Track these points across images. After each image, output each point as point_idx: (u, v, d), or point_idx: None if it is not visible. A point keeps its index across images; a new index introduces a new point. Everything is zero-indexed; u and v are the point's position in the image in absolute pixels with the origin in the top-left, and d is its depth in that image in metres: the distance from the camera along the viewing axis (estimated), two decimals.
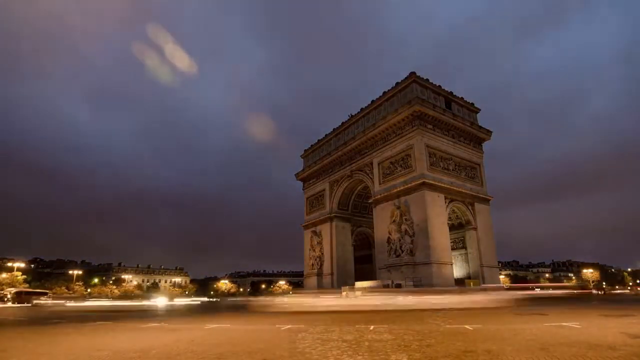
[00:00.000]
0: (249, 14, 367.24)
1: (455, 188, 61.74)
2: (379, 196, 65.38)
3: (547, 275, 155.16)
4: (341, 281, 72.13)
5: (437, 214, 58.03)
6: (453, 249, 58.82)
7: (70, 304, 50.81)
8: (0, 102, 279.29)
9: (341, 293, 64.39)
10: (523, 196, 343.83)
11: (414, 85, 63.28)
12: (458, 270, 58.49)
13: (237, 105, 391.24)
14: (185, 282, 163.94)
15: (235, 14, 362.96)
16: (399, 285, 55.28)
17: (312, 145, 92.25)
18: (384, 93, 69.10)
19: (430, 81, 65.65)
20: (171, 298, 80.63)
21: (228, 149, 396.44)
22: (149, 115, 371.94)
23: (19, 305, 53.15)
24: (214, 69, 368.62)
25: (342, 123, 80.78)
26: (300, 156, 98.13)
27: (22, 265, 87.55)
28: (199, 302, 77.03)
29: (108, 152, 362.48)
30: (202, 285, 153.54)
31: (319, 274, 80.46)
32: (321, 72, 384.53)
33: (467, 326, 12.35)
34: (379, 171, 67.29)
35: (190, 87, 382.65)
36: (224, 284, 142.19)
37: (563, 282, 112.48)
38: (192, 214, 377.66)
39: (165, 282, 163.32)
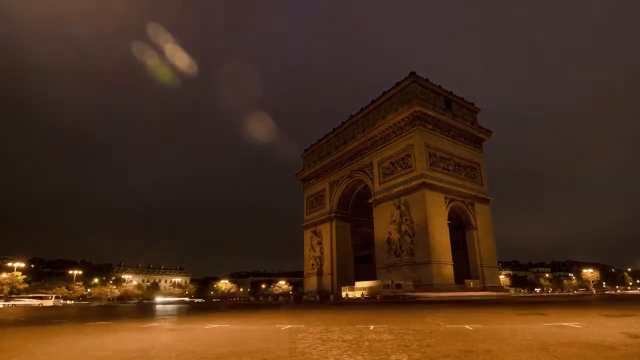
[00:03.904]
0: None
1: (455, 188, 61.76)
2: (379, 196, 65.39)
3: (547, 275, 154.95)
4: (341, 281, 72.16)
5: (437, 214, 58.07)
6: (453, 249, 58.85)
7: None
8: (1, 102, 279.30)
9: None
10: (523, 195, 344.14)
11: (414, 85, 63.31)
12: (458, 270, 58.50)
13: (237, 105, 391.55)
14: (186, 282, 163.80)
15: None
16: (399, 285, 55.28)
17: (312, 145, 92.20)
18: (384, 93, 69.11)
19: (431, 81, 65.67)
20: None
21: (227, 148, 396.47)
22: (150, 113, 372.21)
23: None
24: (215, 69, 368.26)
25: (342, 123, 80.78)
26: (300, 156, 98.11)
27: (22, 265, 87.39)
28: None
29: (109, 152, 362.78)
30: (202, 285, 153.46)
31: (319, 274, 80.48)
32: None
33: (467, 326, 12.35)
34: (379, 171, 67.32)
35: (192, 85, 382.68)
36: (224, 284, 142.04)
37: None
38: (192, 213, 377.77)
39: (166, 282, 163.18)
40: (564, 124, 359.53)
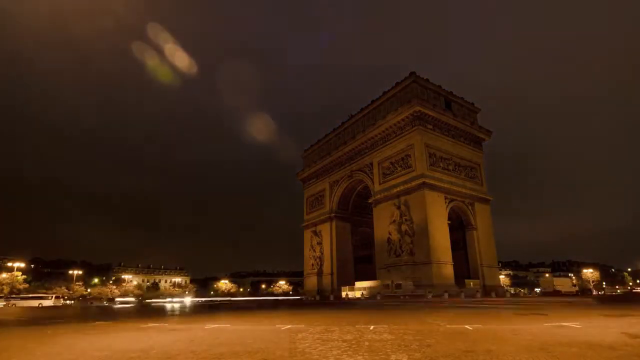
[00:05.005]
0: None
1: (455, 188, 61.75)
2: (379, 196, 65.40)
3: (547, 275, 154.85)
4: (341, 281, 72.18)
5: (437, 214, 58.05)
6: (453, 249, 58.84)
7: None
8: (0, 101, 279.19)
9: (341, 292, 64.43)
10: (523, 195, 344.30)
11: (414, 85, 63.30)
12: (458, 270, 58.49)
13: (237, 105, 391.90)
14: (186, 282, 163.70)
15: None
16: (399, 285, 55.31)
17: (312, 145, 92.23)
18: (384, 93, 69.10)
19: (431, 81, 65.64)
20: None
21: (227, 147, 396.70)
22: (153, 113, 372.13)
23: None
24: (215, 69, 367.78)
25: (342, 123, 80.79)
26: (301, 156, 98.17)
27: (22, 265, 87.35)
28: None
29: (109, 149, 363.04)
30: (202, 285, 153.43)
31: (319, 274, 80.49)
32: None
33: (467, 326, 12.35)
34: (379, 171, 67.32)
35: (192, 84, 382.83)
36: (224, 284, 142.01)
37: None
38: (192, 213, 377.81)
39: (166, 282, 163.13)
40: (565, 123, 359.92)
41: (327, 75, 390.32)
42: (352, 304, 42.37)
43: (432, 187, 58.55)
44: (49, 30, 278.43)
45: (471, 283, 59.18)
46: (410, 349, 7.93)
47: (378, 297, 52.27)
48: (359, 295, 59.27)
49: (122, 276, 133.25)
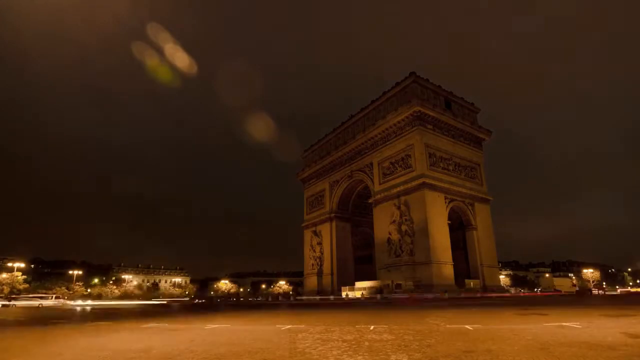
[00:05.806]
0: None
1: (455, 188, 61.72)
2: (379, 196, 65.36)
3: (547, 275, 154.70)
4: (341, 281, 72.13)
5: (437, 214, 58.03)
6: (453, 249, 58.80)
7: None
8: (1, 102, 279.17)
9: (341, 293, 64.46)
10: (524, 196, 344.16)
11: (414, 85, 63.28)
12: (458, 270, 58.46)
13: (236, 104, 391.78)
14: (186, 282, 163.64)
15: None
16: (399, 286, 55.31)
17: (312, 145, 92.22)
18: (384, 93, 69.07)
19: (430, 81, 65.59)
20: None
21: (226, 146, 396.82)
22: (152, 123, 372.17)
23: None
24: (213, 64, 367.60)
25: (342, 123, 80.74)
26: (301, 156, 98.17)
27: (22, 265, 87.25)
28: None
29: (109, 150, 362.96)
30: (202, 285, 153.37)
31: (319, 274, 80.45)
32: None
33: (467, 326, 12.35)
34: (379, 171, 67.28)
35: (192, 87, 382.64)
36: (224, 284, 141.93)
37: None
38: (191, 212, 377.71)
39: (166, 282, 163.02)
40: (565, 123, 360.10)
41: (327, 75, 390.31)
42: (351, 303, 42.35)
43: (432, 187, 58.55)
44: (48, 29, 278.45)
45: (471, 283, 59.16)
46: (410, 349, 7.92)
47: (378, 297, 52.26)
48: (359, 295, 59.25)
49: (122, 276, 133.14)
